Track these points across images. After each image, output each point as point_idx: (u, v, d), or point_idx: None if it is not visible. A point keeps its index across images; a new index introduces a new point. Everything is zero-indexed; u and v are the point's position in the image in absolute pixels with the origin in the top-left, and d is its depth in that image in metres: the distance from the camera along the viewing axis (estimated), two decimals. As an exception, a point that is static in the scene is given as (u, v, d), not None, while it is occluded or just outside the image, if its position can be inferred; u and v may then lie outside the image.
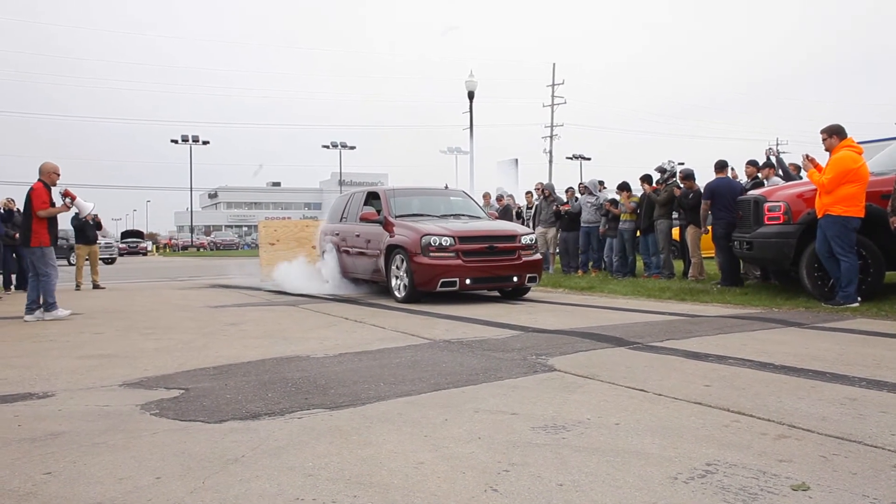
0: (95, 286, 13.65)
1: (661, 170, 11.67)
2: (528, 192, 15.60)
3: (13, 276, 12.83)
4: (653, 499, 2.15)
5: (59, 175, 8.09)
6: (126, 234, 58.55)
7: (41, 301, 7.96)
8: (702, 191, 10.27)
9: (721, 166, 10.05)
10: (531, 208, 14.89)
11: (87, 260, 13.99)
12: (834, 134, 7.17)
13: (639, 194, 11.93)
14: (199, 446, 2.77)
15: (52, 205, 7.93)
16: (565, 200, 13.70)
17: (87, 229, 13.82)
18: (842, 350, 4.74)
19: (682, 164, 12.78)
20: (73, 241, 16.11)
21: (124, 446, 2.80)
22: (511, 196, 15.71)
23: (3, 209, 11.62)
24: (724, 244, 9.39)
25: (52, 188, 8.07)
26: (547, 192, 13.89)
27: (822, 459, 2.48)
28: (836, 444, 2.64)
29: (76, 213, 12.92)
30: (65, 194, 8.19)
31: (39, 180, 7.94)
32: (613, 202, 12.24)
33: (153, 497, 2.23)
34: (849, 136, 7.15)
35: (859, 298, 6.97)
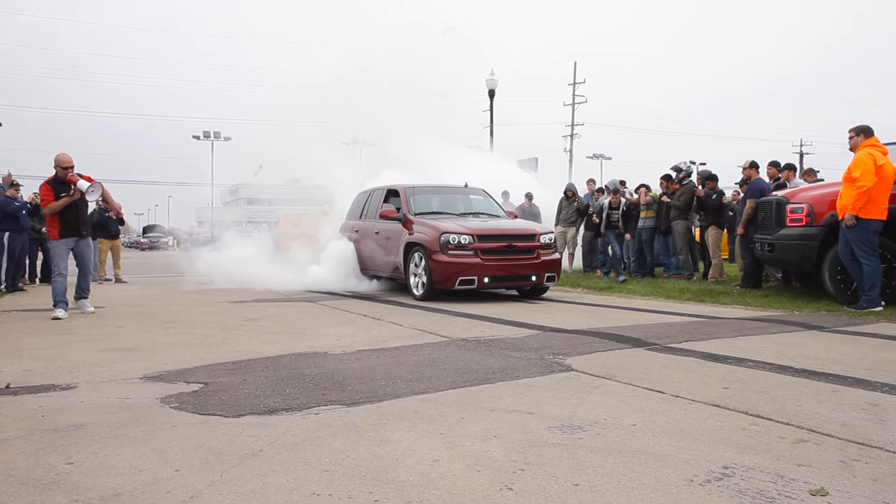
0: (118, 280, 13.85)
1: (678, 169, 11.63)
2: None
3: (38, 269, 13.02)
4: (668, 501, 2.14)
5: (65, 168, 7.63)
6: (147, 229, 59.29)
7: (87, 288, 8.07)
8: (724, 192, 10.19)
9: (756, 165, 9.90)
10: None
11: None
12: (861, 133, 7.09)
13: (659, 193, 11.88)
14: (218, 440, 2.80)
15: (56, 198, 7.57)
16: (588, 202, 13.71)
17: (109, 224, 13.99)
18: (864, 354, 4.67)
19: (704, 164, 12.72)
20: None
21: (144, 438, 2.84)
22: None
23: (31, 203, 11.80)
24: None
25: (64, 181, 7.64)
26: (570, 192, 13.85)
27: (842, 465, 2.45)
28: (856, 450, 2.61)
29: (96, 209, 13.04)
30: (68, 180, 7.69)
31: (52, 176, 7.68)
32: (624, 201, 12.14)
33: (172, 489, 2.26)
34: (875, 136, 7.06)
35: (883, 302, 6.87)
